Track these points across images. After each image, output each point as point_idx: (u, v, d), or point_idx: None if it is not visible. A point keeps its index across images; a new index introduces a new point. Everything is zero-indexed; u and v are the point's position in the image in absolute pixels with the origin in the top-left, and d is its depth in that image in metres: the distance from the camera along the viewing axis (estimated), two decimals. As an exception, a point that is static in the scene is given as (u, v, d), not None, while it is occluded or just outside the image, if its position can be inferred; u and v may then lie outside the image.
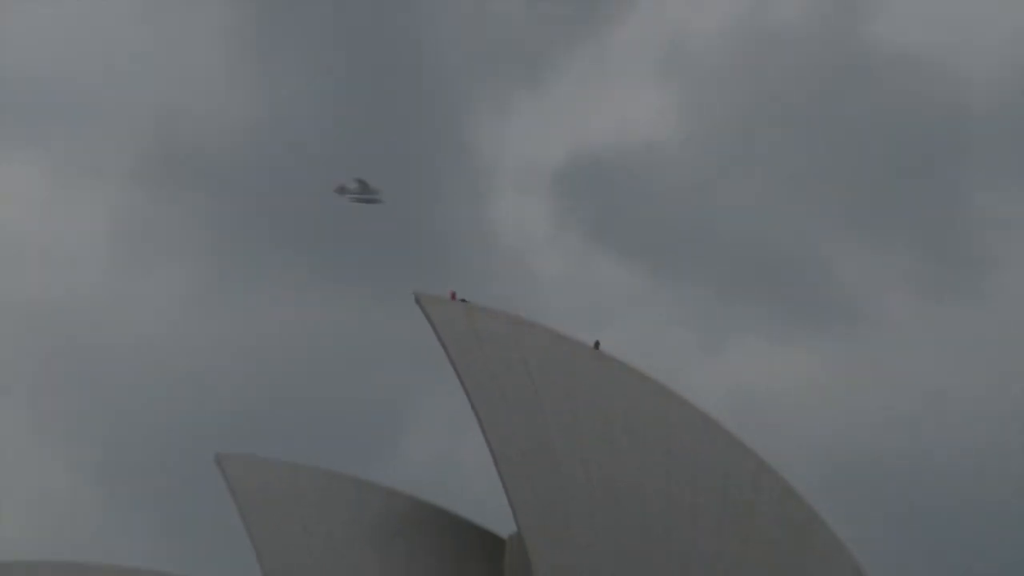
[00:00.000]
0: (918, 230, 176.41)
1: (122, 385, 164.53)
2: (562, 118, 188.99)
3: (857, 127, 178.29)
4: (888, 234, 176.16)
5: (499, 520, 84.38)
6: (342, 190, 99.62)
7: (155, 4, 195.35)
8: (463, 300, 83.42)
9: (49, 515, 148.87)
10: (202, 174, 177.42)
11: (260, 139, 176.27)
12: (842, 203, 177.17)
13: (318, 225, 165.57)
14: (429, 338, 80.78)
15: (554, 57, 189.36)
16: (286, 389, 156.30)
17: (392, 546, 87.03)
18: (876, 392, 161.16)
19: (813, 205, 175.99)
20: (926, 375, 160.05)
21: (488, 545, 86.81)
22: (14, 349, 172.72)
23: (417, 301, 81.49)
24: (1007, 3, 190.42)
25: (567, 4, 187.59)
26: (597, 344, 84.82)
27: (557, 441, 79.99)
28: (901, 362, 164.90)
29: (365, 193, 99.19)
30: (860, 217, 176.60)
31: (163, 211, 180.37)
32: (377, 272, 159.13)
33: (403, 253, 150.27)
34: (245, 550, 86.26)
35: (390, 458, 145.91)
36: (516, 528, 79.73)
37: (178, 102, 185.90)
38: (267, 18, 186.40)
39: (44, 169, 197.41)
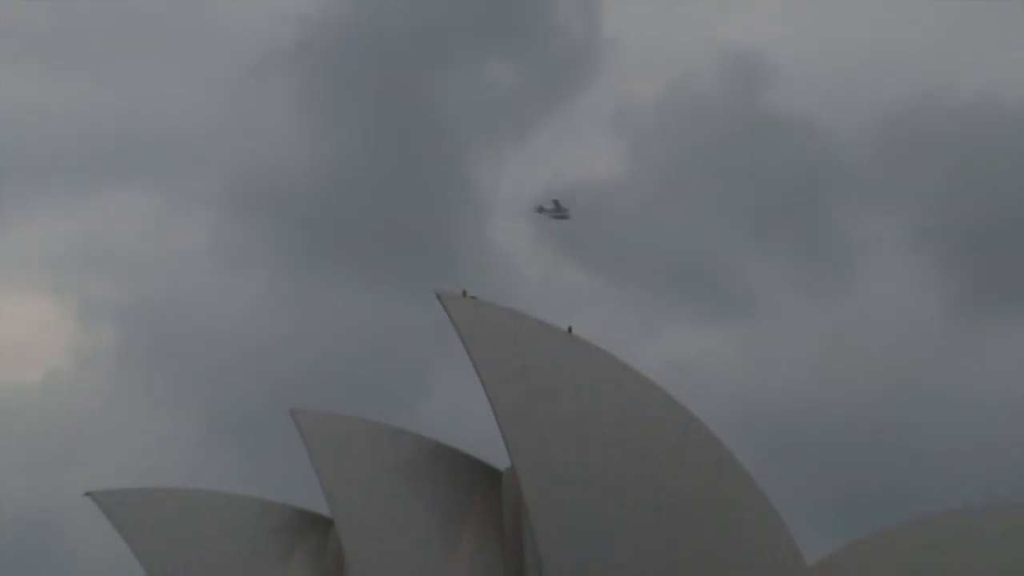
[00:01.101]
0: (802, 245, 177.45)
1: (216, 362, 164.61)
2: (541, 162, 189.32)
3: (759, 168, 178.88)
4: (781, 248, 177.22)
5: (497, 457, 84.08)
6: (540, 209, 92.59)
7: (244, 82, 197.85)
8: (472, 297, 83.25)
9: (164, 458, 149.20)
10: (278, 204, 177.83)
11: (319, 178, 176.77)
12: (748, 225, 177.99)
13: (363, 241, 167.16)
14: (446, 325, 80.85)
15: (535, 117, 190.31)
16: (342, 361, 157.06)
17: (420, 478, 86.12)
18: (772, 364, 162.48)
19: (726, 227, 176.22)
20: (809, 351, 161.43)
21: (490, 476, 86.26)
22: (137, 334, 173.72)
23: (438, 297, 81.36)
24: (869, 76, 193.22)
25: (545, 77, 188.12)
26: (570, 329, 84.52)
27: (540, 400, 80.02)
28: (790, 341, 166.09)
29: (558, 211, 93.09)
30: (761, 235, 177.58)
31: (249, 231, 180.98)
32: (406, 275, 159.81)
33: (426, 262, 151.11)
34: (313, 484, 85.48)
35: (417, 411, 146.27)
36: (510, 463, 79.96)
37: (260, 150, 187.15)
38: (323, 92, 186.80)
39: (161, 198, 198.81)
